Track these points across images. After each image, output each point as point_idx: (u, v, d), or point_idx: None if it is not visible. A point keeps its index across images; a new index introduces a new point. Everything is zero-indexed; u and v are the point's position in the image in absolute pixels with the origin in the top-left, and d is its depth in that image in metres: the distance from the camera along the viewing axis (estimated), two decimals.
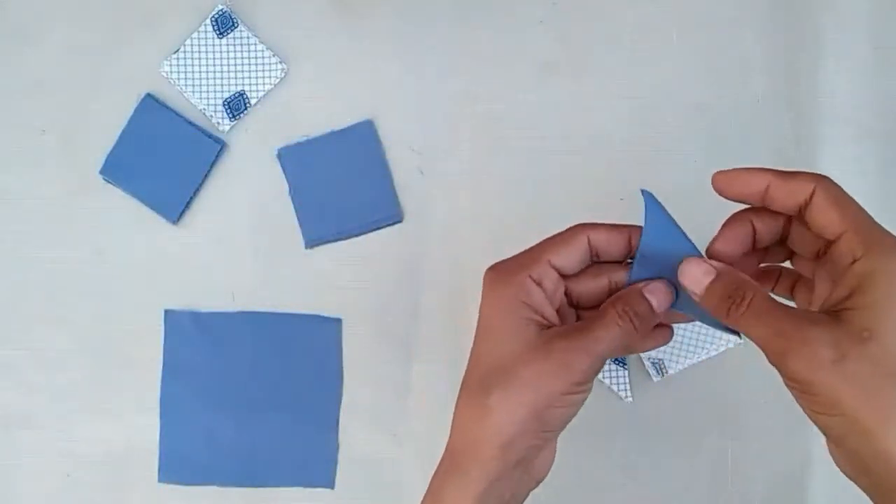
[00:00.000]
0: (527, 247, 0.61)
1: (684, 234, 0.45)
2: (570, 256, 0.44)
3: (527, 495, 0.46)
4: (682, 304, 0.45)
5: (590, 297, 0.46)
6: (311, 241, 0.63)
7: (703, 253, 0.45)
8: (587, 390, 0.43)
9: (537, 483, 0.46)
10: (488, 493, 0.42)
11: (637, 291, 0.43)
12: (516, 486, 0.44)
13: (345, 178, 0.63)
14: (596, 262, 0.46)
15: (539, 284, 0.44)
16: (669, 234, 0.45)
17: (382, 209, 0.63)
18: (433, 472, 0.46)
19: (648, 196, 0.45)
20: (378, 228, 0.63)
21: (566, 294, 0.46)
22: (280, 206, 0.63)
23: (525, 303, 0.43)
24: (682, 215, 0.63)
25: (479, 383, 0.43)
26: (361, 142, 0.63)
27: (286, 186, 0.63)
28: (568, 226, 0.46)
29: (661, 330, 0.46)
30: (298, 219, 0.63)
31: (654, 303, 0.43)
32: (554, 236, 0.45)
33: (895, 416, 0.36)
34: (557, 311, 0.45)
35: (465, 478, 0.43)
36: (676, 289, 0.44)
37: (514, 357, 0.42)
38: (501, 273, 0.45)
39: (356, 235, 0.63)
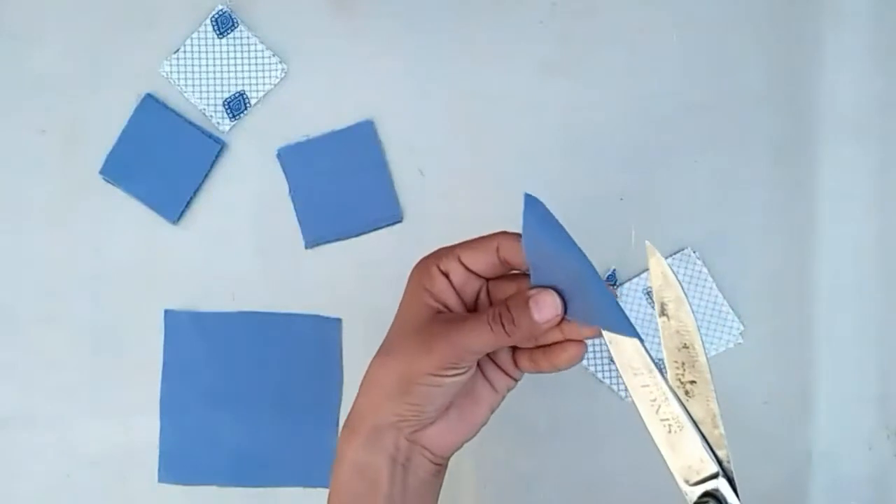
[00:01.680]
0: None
1: (571, 240, 0.43)
2: (479, 258, 0.46)
3: (434, 469, 0.47)
4: (577, 314, 0.43)
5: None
6: (311, 241, 0.63)
7: (589, 260, 0.43)
8: (456, 377, 0.44)
9: (441, 457, 0.47)
10: (370, 444, 0.45)
11: (523, 298, 0.44)
12: (402, 450, 0.45)
13: (345, 178, 0.63)
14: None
15: (446, 275, 0.46)
16: (556, 240, 0.43)
17: (382, 209, 0.63)
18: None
19: (530, 201, 0.44)
20: (378, 228, 0.63)
21: (489, 294, 0.47)
22: (280, 206, 0.63)
23: (426, 288, 0.46)
24: (682, 215, 0.63)
25: (377, 352, 0.46)
26: (361, 142, 0.63)
27: (286, 186, 0.63)
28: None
29: (572, 345, 0.46)
30: (298, 219, 0.63)
31: (536, 314, 0.43)
32: (475, 238, 0.47)
33: None
34: (474, 307, 0.47)
35: (350, 428, 0.46)
36: (565, 298, 0.43)
37: (401, 332, 0.46)
38: (421, 261, 0.47)
39: (356, 235, 0.63)
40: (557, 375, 0.62)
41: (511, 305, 0.44)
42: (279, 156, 0.63)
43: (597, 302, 0.43)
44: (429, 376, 0.44)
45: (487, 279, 0.47)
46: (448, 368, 0.44)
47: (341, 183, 0.63)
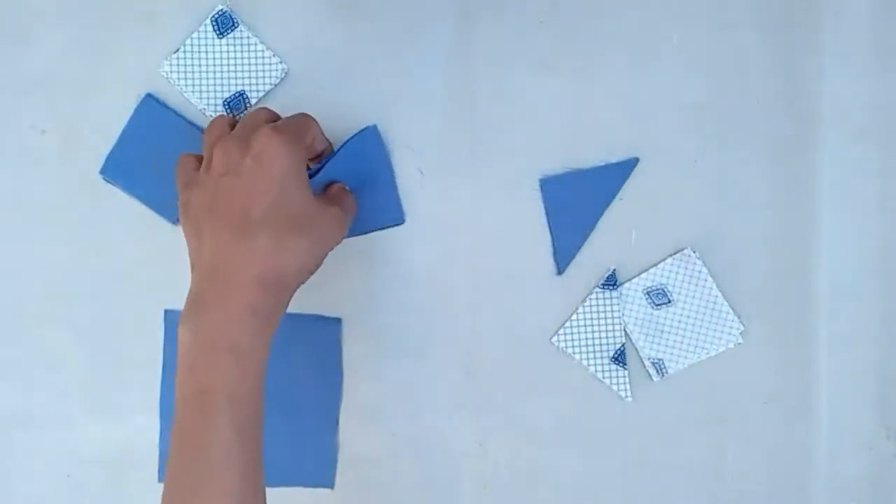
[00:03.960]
0: (528, 248, 0.62)
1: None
2: (317, 141, 0.57)
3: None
4: None
5: None
6: None
7: None
8: None
9: None
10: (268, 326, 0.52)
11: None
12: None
13: (349, 180, 0.63)
14: None
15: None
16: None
17: (386, 212, 0.63)
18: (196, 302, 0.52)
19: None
20: (379, 229, 0.63)
21: None
22: None
23: (305, 164, 0.55)
24: (682, 215, 0.63)
25: (286, 223, 0.52)
26: (366, 145, 0.62)
27: None
28: None
29: None
30: None
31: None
32: (306, 117, 0.56)
33: None
34: None
35: (277, 287, 0.53)
36: None
37: (311, 209, 0.53)
38: (292, 135, 0.54)
39: (356, 235, 0.63)
40: (558, 375, 0.63)
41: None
42: None
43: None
44: (333, 247, 0.56)
45: None
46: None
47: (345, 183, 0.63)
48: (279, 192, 0.52)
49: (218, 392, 0.49)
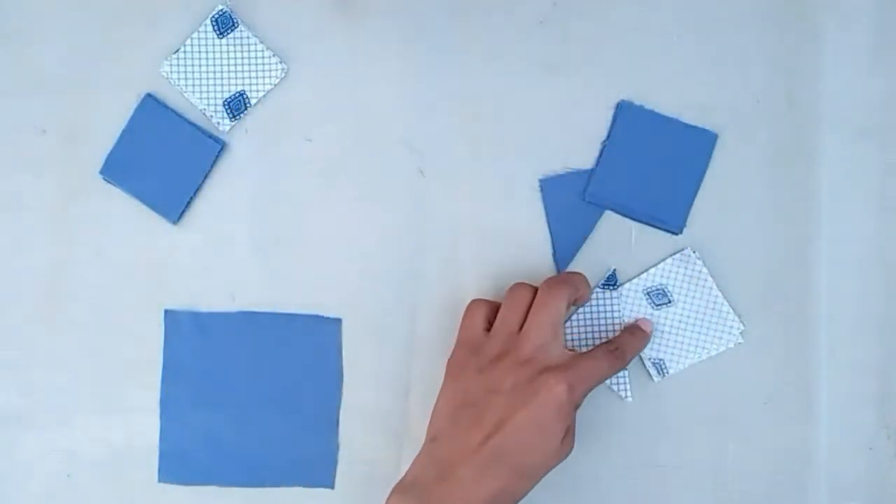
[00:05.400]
0: (528, 248, 0.61)
1: None
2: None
3: None
4: None
5: None
6: None
7: None
8: None
9: None
10: None
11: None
12: None
13: (657, 164, 0.63)
14: None
15: None
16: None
17: (671, 215, 0.63)
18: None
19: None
20: (652, 227, 0.63)
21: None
22: (280, 205, 0.63)
23: (573, 412, 0.54)
24: None
25: (529, 466, 0.53)
26: (700, 148, 0.63)
27: (286, 186, 0.63)
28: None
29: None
30: None
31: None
32: (611, 365, 0.57)
33: None
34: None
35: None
36: None
37: (554, 458, 0.54)
38: (581, 389, 0.54)
39: (628, 217, 0.63)
40: None
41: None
42: None
43: None
44: None
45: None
46: None
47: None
48: (538, 441, 0.53)
49: None
